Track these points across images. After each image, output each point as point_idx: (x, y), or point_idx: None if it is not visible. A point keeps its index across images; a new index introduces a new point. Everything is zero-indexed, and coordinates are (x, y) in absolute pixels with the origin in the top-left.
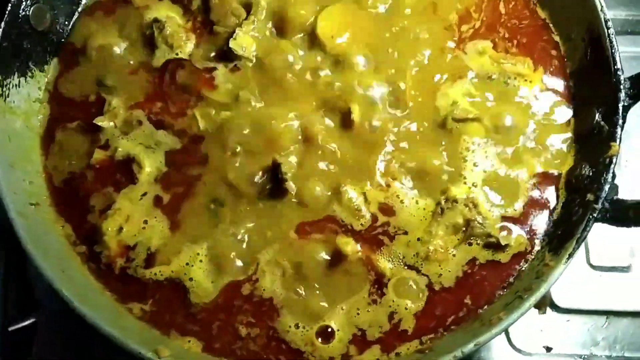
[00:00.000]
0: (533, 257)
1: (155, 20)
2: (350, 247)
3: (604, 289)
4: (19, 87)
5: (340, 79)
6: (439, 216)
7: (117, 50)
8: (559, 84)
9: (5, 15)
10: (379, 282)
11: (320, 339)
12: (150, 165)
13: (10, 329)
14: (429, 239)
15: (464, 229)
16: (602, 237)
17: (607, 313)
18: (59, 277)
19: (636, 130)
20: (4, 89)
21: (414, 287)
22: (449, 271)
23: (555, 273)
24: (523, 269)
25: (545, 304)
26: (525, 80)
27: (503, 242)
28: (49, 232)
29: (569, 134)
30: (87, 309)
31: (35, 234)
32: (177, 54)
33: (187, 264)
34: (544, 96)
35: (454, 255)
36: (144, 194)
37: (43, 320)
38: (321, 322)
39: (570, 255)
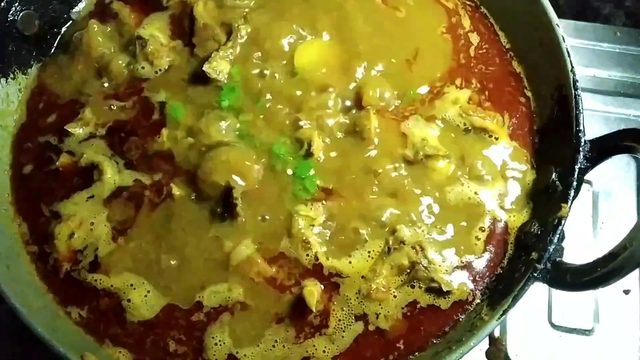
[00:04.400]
0: (471, 309)
1: (139, 37)
2: (315, 297)
3: (563, 350)
4: None
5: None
6: (385, 255)
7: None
8: (524, 140)
9: None
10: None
11: None
12: (112, 173)
13: None
14: (373, 277)
15: (408, 270)
16: (566, 297)
17: None
18: (2, 273)
19: (617, 192)
20: None
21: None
22: (388, 312)
23: (487, 328)
24: (460, 319)
25: (502, 358)
26: (491, 136)
27: (445, 288)
28: (3, 230)
29: (526, 190)
30: (23, 308)
31: None
32: (156, 72)
33: (131, 285)
34: (507, 151)
35: (395, 296)
36: (92, 197)
37: None
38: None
39: (505, 312)
